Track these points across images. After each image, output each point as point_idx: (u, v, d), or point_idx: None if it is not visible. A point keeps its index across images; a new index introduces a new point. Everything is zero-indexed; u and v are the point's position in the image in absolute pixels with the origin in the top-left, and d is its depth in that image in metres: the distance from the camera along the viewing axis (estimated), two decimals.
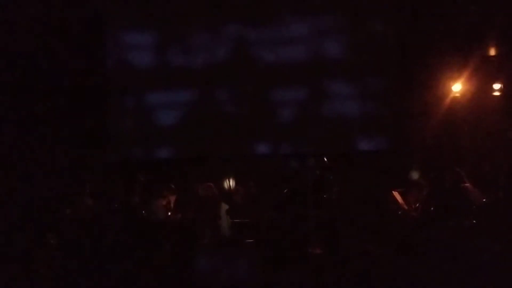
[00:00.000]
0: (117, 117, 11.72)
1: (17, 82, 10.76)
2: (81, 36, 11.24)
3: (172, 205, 9.85)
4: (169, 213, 9.68)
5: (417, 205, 8.72)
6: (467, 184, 8.24)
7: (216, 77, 11.42)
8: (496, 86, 10.67)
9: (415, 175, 9.35)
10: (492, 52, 10.87)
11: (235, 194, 10.22)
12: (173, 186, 10.16)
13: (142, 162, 11.41)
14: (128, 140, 11.70)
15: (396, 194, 9.00)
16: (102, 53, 11.63)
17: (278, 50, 11.30)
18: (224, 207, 9.37)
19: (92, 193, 9.57)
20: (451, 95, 10.92)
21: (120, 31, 11.78)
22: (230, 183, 10.97)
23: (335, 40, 11.31)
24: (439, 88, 10.90)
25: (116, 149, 11.65)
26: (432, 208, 8.21)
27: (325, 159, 8.83)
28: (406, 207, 8.86)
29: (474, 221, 7.84)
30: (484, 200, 8.20)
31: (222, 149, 11.34)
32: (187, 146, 11.57)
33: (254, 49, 11.40)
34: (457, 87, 10.88)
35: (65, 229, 8.80)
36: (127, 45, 11.74)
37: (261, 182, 10.21)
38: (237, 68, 11.41)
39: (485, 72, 10.74)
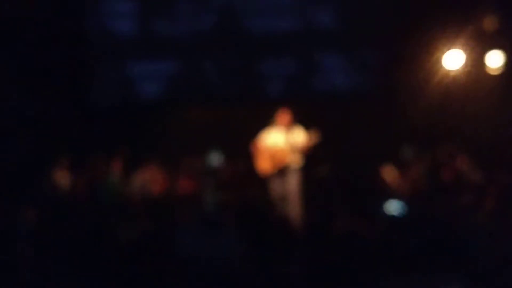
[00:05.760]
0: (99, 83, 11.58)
1: None
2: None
3: (155, 179, 9.65)
4: (151, 187, 9.49)
5: (411, 182, 8.58)
6: (462, 161, 8.13)
7: (201, 47, 11.27)
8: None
9: (408, 151, 9.27)
10: (488, 25, 10.71)
11: (221, 169, 10.09)
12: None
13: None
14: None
15: (389, 170, 8.86)
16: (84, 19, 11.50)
17: (265, 20, 11.16)
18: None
19: (69, 166, 9.33)
20: (445, 69, 10.77)
21: None
22: (216, 158, 10.85)
23: (325, 9, 11.19)
24: (432, 61, 10.73)
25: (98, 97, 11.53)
26: (426, 186, 8.11)
27: None
28: (399, 184, 8.74)
29: (470, 199, 7.68)
30: (479, 177, 8.09)
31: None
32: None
33: (241, 18, 11.25)
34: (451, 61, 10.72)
35: (43, 203, 8.53)
36: (110, 12, 11.55)
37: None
38: (223, 37, 11.26)
39: (480, 46, 10.57)
